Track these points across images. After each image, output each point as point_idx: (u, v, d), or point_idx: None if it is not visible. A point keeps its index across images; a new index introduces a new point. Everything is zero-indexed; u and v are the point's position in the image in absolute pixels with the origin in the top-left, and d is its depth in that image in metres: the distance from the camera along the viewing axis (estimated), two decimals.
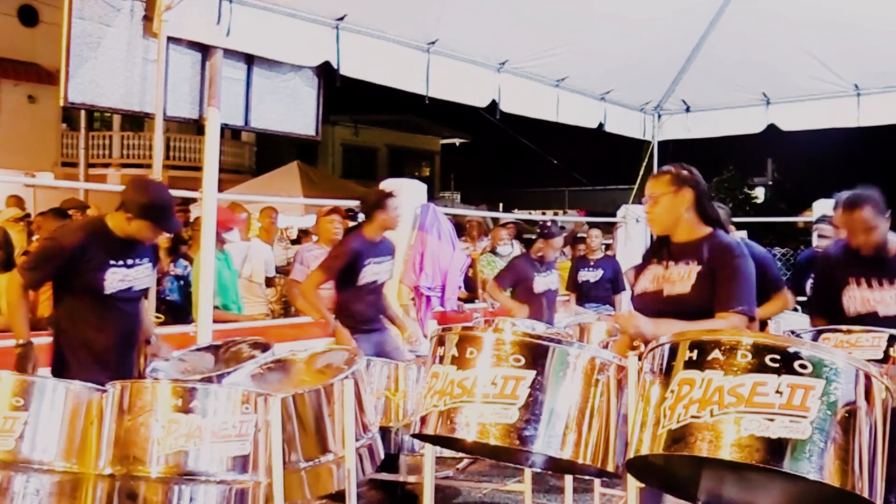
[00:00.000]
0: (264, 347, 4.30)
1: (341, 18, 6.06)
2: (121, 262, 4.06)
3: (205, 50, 5.56)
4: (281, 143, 23.05)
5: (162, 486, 2.87)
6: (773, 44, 7.75)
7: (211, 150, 5.57)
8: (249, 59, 5.87)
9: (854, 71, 7.97)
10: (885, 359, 3.60)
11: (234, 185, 17.94)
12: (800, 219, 8.58)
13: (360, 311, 5.49)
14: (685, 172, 3.57)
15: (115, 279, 4.04)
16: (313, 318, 5.56)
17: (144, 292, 4.34)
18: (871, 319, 4.06)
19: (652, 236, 3.86)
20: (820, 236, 6.85)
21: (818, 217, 7.02)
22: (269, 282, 7.64)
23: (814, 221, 6.98)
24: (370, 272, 5.50)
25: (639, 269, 3.81)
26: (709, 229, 3.58)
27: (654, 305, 3.49)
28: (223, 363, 4.36)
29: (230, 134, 23.94)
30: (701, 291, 3.44)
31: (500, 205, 25.69)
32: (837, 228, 5.47)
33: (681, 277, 3.51)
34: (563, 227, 8.00)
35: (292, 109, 6.24)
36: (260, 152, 26.43)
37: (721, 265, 3.46)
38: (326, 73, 6.27)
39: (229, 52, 5.65)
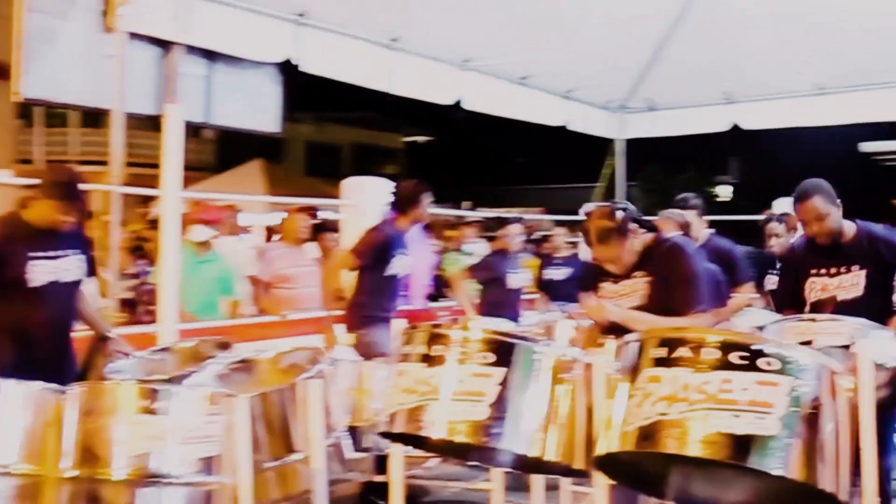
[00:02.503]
0: (224, 347, 4.27)
1: (303, 15, 6.02)
2: (43, 255, 4.02)
3: (165, 45, 5.49)
4: (243, 141, 22.88)
5: (126, 489, 2.82)
6: (737, 43, 7.82)
7: (172, 147, 5.51)
8: (211, 56, 5.81)
9: (817, 71, 8.07)
10: (848, 346, 3.66)
11: (195, 182, 17.75)
12: (761, 217, 8.65)
13: (384, 302, 5.51)
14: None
15: (41, 272, 4.00)
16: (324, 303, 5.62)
17: (77, 284, 4.28)
18: (831, 305, 4.13)
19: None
20: (769, 236, 6.94)
21: (765, 218, 7.13)
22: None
23: (761, 222, 7.09)
24: (398, 264, 5.53)
25: (589, 283, 3.86)
26: (653, 236, 3.62)
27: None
28: (187, 363, 4.32)
29: (191, 131, 23.68)
30: (653, 301, 3.49)
31: (466, 203, 25.70)
32: (791, 227, 5.58)
33: (633, 290, 3.58)
34: (520, 219, 8.04)
35: (255, 106, 6.19)
36: (221, 150, 26.24)
37: (671, 268, 3.51)
38: (289, 70, 6.23)
39: (190, 48, 5.58)
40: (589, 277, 3.85)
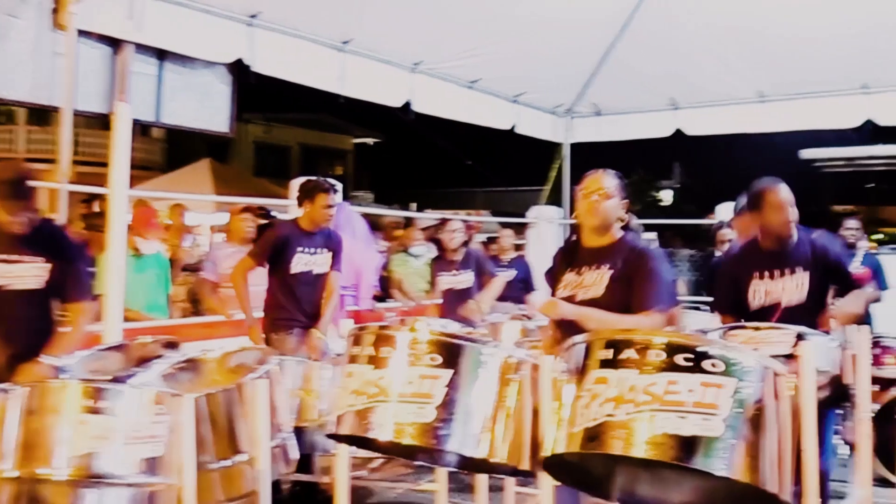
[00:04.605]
0: (172, 347, 4.22)
1: (255, 16, 5.99)
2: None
3: (115, 44, 5.42)
4: (192, 140, 22.67)
5: (70, 489, 2.78)
6: (682, 50, 7.95)
7: (121, 145, 5.43)
8: (161, 55, 5.75)
9: (759, 78, 8.23)
10: (791, 355, 3.72)
11: (143, 181, 17.54)
12: (705, 221, 8.80)
13: (292, 303, 5.43)
14: (626, 182, 3.71)
15: None
16: (240, 308, 5.52)
17: (37, 294, 3.92)
18: (775, 310, 4.20)
19: (571, 241, 3.92)
20: (720, 241, 7.05)
21: (717, 223, 7.25)
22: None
23: (713, 227, 7.20)
24: (300, 262, 5.45)
25: (551, 277, 3.89)
26: (621, 233, 3.69)
27: None
28: (132, 363, 4.26)
29: (140, 130, 23.42)
30: (613, 295, 3.54)
31: (414, 205, 25.66)
32: (738, 231, 5.66)
33: (594, 282, 3.61)
34: (468, 221, 8.07)
35: (205, 106, 6.14)
36: (170, 149, 25.93)
37: (637, 268, 3.56)
38: (240, 70, 6.19)
39: (141, 47, 5.52)
40: (556, 266, 3.86)
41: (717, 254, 7.03)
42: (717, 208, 9.24)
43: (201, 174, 16.41)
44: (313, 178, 5.91)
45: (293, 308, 5.49)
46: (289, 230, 5.59)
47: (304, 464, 4.80)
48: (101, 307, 5.27)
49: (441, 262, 7.11)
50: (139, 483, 2.85)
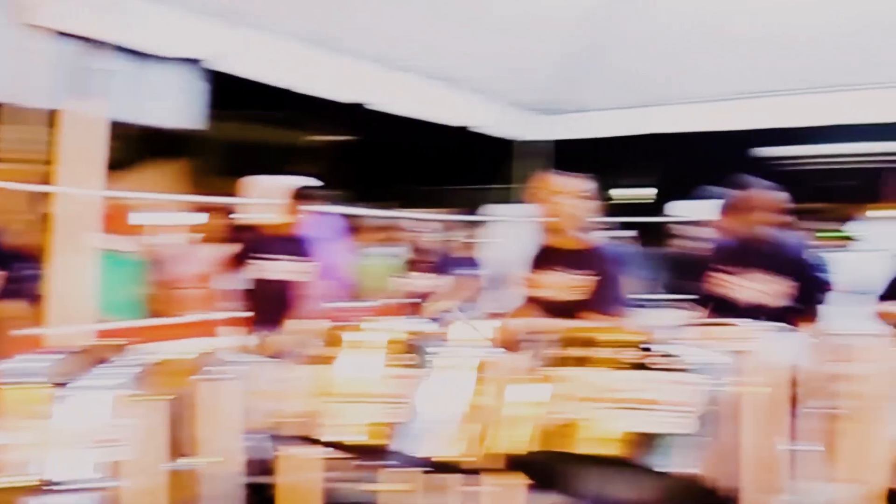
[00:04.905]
0: (124, 349, 4.15)
1: (221, 11, 5.90)
2: None
3: (77, 39, 5.32)
4: (153, 139, 22.29)
5: (20, 496, 2.73)
6: (647, 49, 7.98)
7: (78, 143, 5.34)
8: (124, 50, 5.66)
9: (723, 77, 8.28)
10: (749, 351, 3.77)
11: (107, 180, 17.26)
12: (660, 219, 8.87)
13: (260, 307, 5.40)
14: (591, 181, 3.72)
15: None
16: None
17: None
18: (749, 309, 4.25)
19: (542, 243, 3.94)
20: (679, 237, 7.12)
21: (677, 221, 7.31)
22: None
23: (671, 225, 7.27)
24: (261, 267, 5.41)
25: (523, 279, 3.90)
26: (590, 236, 3.71)
27: (545, 313, 3.61)
28: (89, 364, 4.18)
29: None
30: (578, 297, 3.56)
31: (372, 203, 25.58)
32: (721, 229, 5.70)
33: (559, 285, 3.63)
34: (430, 220, 8.04)
35: (167, 104, 6.07)
36: (131, 147, 25.53)
37: (600, 271, 3.59)
38: (202, 68, 6.11)
39: (103, 43, 5.42)
40: (530, 267, 3.86)
41: (676, 252, 7.09)
42: (672, 205, 9.31)
43: (163, 173, 16.21)
44: (296, 183, 5.90)
45: (258, 311, 5.46)
46: (250, 236, 5.56)
47: (265, 467, 4.76)
48: (44, 310, 5.18)
49: (411, 262, 7.09)
50: (94, 487, 2.81)
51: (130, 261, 6.78)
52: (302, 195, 5.58)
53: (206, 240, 6.83)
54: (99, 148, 5.37)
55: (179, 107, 6.07)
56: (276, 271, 5.55)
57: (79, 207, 5.42)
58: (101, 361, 4.09)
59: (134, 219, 8.44)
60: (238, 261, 5.49)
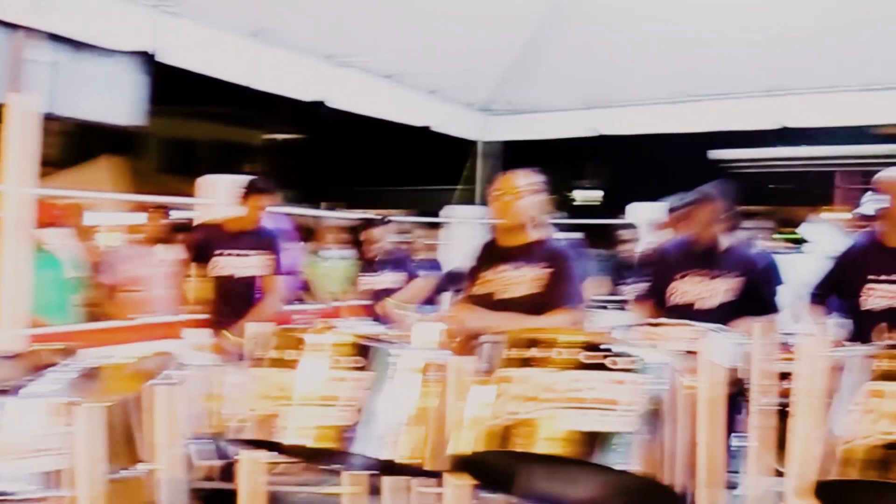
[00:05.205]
0: (70, 353, 4.06)
1: (162, 2, 5.80)
2: None
3: (9, 28, 5.18)
4: (93, 135, 21.98)
5: None
6: (599, 51, 8.02)
7: (16, 139, 5.21)
8: (61, 41, 5.52)
9: (670, 80, 8.36)
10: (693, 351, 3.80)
11: (40, 178, 16.99)
12: (616, 221, 8.92)
13: (219, 306, 5.32)
14: (543, 181, 3.72)
15: None
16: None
17: None
18: (689, 311, 4.28)
19: (488, 240, 3.93)
20: (619, 241, 7.16)
21: (621, 224, 7.36)
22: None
23: (617, 228, 7.32)
24: (222, 264, 5.33)
25: (468, 277, 3.88)
26: (540, 234, 3.70)
27: (489, 309, 3.60)
28: (27, 371, 4.08)
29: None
30: (533, 294, 3.56)
31: (324, 204, 25.49)
32: (671, 229, 5.75)
33: (511, 281, 3.62)
34: (387, 221, 7.98)
35: (107, 98, 5.92)
36: (69, 143, 25.16)
37: (554, 268, 3.58)
38: (146, 61, 5.99)
39: (38, 33, 5.29)
40: (474, 266, 3.85)
41: (622, 254, 7.13)
42: (627, 208, 9.37)
43: (102, 171, 15.98)
44: (253, 177, 5.82)
45: (217, 310, 5.38)
46: (211, 232, 5.49)
47: (217, 471, 4.70)
48: None
49: (364, 263, 7.04)
50: (35, 498, 2.74)
51: (66, 261, 6.63)
52: (262, 188, 5.51)
53: (147, 240, 6.70)
54: (32, 143, 5.20)
55: (121, 102, 5.91)
56: (244, 266, 5.49)
57: (11, 205, 5.27)
58: (43, 367, 4.01)
59: (73, 218, 8.28)
60: (200, 259, 5.40)
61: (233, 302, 5.39)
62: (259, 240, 5.55)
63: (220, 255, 5.37)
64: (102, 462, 2.98)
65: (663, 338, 3.93)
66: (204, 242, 5.39)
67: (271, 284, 5.61)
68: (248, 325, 3.41)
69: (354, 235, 7.84)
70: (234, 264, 5.41)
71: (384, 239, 7.04)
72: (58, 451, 2.79)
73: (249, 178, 5.83)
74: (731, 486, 4.50)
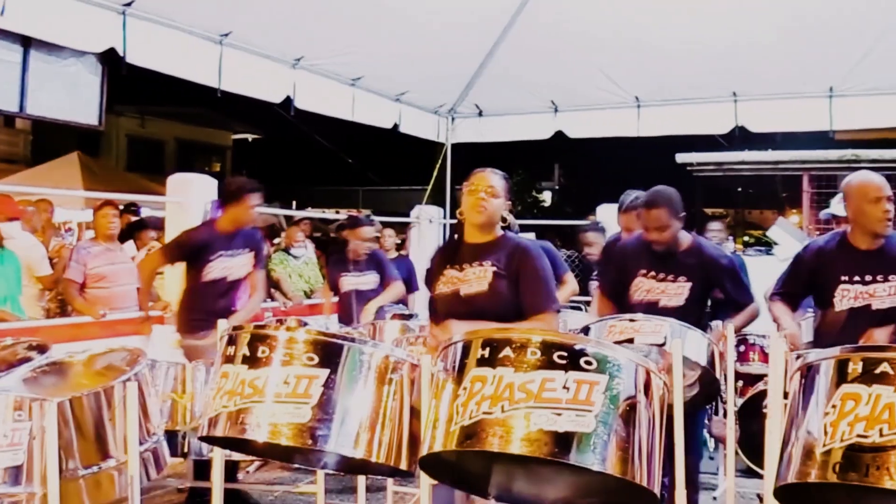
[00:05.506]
0: (39, 349, 4.03)
1: (129, 4, 5.77)
2: None
3: None
4: (60, 133, 21.74)
5: None
6: (562, 55, 8.10)
7: None
8: (27, 42, 5.48)
9: (635, 84, 8.46)
10: (664, 344, 3.84)
11: (6, 175, 16.80)
12: (584, 222, 8.98)
13: (207, 306, 5.27)
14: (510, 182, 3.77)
15: None
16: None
17: None
18: (651, 309, 4.31)
19: (451, 238, 3.95)
20: (585, 244, 7.20)
21: (584, 226, 7.40)
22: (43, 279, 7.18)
23: (581, 230, 7.36)
24: (219, 266, 5.30)
25: (431, 275, 3.90)
26: (501, 232, 3.73)
27: (451, 307, 3.61)
28: None
29: (3, 121, 22.42)
30: (496, 290, 3.58)
31: (293, 203, 25.38)
32: (623, 227, 5.80)
33: (477, 277, 3.64)
34: (371, 219, 7.95)
35: (73, 97, 5.89)
36: (36, 141, 24.89)
37: (523, 267, 3.61)
38: (112, 61, 5.95)
39: (3, 33, 5.25)
40: (436, 263, 3.87)
41: (590, 256, 7.16)
42: (597, 209, 9.43)
43: (70, 168, 15.76)
44: (239, 178, 5.79)
45: (206, 311, 5.32)
46: (207, 234, 5.44)
47: (202, 469, 4.68)
48: None
49: (344, 263, 7.00)
50: (0, 494, 2.72)
51: (24, 257, 6.57)
52: (254, 188, 5.48)
53: (106, 237, 6.62)
54: None
55: (79, 100, 5.88)
56: (237, 267, 5.45)
57: None
58: (12, 362, 3.99)
59: (41, 214, 8.20)
60: (192, 261, 5.34)
61: (218, 303, 5.36)
62: (245, 238, 5.53)
63: (218, 257, 5.34)
64: (69, 457, 2.98)
65: (639, 332, 3.97)
66: (201, 245, 5.34)
67: (256, 281, 5.59)
68: (221, 323, 3.39)
69: (328, 234, 7.82)
70: (228, 266, 5.39)
71: (370, 238, 7.00)
72: (22, 447, 2.77)
73: (238, 178, 5.80)
74: (707, 487, 4.57)
